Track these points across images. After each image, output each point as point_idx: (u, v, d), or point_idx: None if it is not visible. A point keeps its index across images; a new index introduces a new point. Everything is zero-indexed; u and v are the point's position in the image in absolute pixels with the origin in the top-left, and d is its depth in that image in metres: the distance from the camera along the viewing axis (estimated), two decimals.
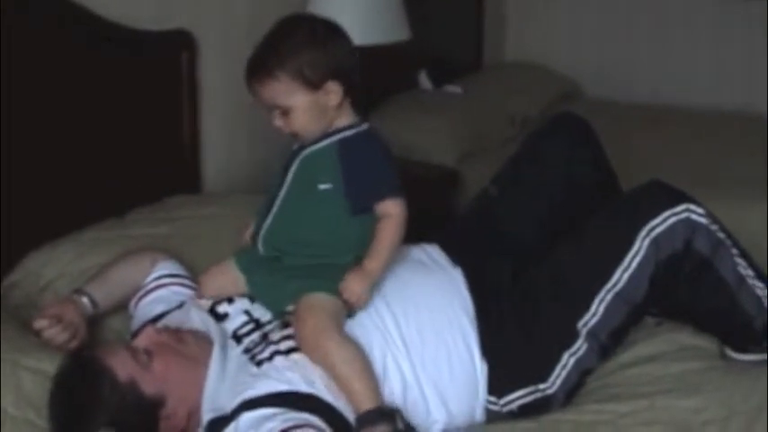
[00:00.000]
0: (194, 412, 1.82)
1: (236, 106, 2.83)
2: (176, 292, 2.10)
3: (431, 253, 2.15)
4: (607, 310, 1.98)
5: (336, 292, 1.90)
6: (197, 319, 1.98)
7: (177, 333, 1.89)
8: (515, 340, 2.00)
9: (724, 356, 2.07)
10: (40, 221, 2.28)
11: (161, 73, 2.64)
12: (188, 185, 2.73)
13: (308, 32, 1.90)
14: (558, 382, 1.99)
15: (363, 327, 1.93)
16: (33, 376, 1.84)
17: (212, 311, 2.00)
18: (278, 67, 1.86)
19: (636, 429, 1.87)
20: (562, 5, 4.50)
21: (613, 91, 4.30)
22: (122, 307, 2.12)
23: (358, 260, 1.93)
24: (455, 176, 3.36)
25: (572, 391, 2.01)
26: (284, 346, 1.88)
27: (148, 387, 1.78)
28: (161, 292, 2.10)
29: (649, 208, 1.98)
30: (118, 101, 2.50)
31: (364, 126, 1.97)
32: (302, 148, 1.97)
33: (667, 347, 2.07)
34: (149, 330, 1.87)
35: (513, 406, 1.99)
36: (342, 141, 1.93)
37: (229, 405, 1.79)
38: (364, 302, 1.93)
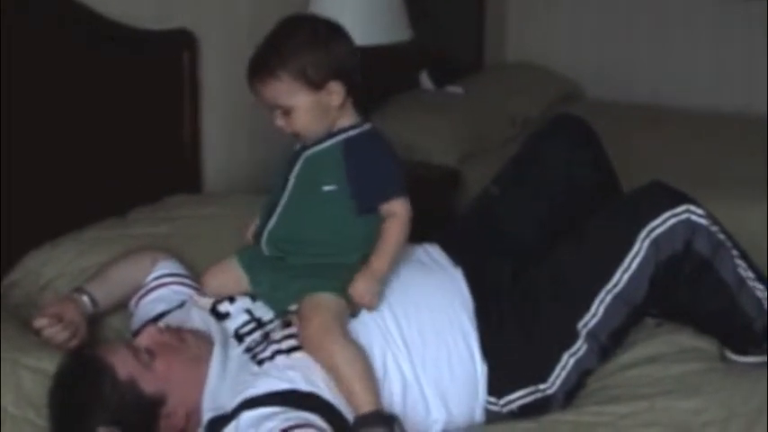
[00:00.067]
0: (194, 411, 1.82)
1: (236, 106, 2.83)
2: (177, 291, 2.10)
3: (432, 253, 2.15)
4: (607, 310, 1.98)
5: (341, 291, 1.90)
6: (198, 318, 1.98)
7: (178, 332, 1.89)
8: (515, 340, 2.01)
9: (724, 358, 2.07)
10: (40, 221, 2.28)
11: (162, 72, 2.64)
12: (188, 185, 2.72)
13: (310, 32, 1.90)
14: (558, 382, 1.99)
15: (365, 325, 1.93)
16: (33, 375, 1.84)
17: (214, 311, 2.00)
18: (280, 67, 1.86)
19: (636, 431, 1.87)
20: (563, 6, 4.50)
21: (613, 91, 4.30)
22: (122, 306, 2.12)
23: (364, 259, 1.93)
24: (456, 177, 3.36)
25: (572, 392, 2.01)
26: (286, 345, 1.88)
27: (149, 386, 1.78)
28: (162, 291, 2.10)
29: (649, 209, 1.98)
30: (118, 100, 2.50)
31: (367, 126, 1.97)
32: (305, 148, 1.97)
33: (667, 349, 2.07)
34: (151, 329, 1.87)
35: (513, 406, 1.99)
36: (346, 141, 1.94)
37: (230, 404, 1.79)
38: (374, 304, 1.93)
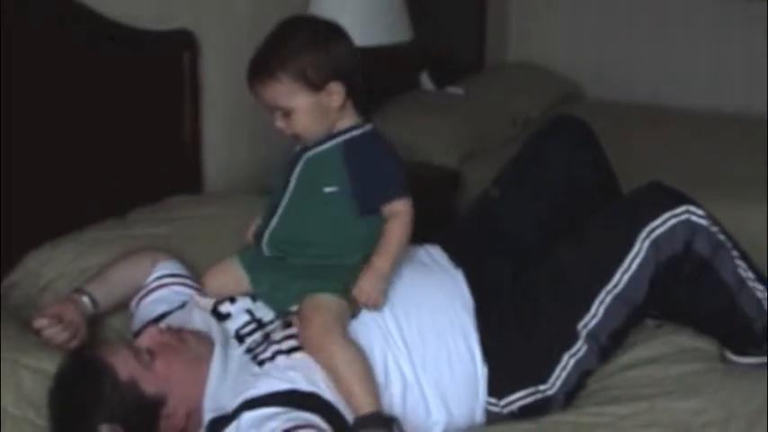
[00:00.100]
0: (195, 412, 1.83)
1: (237, 106, 2.83)
2: (178, 291, 2.10)
3: (433, 254, 2.15)
4: (607, 311, 1.98)
5: (341, 292, 1.90)
6: (198, 319, 1.98)
7: (179, 333, 1.89)
8: (515, 341, 2.01)
9: (724, 359, 2.07)
10: (40, 221, 2.28)
11: (162, 73, 2.64)
12: (189, 185, 2.72)
13: (310, 34, 1.90)
14: (558, 383, 1.99)
15: (365, 326, 1.93)
16: (33, 375, 1.84)
17: (215, 311, 2.00)
18: (280, 68, 1.86)
19: (636, 431, 1.87)
20: (563, 6, 4.50)
21: (614, 91, 4.30)
22: (123, 306, 2.12)
23: (365, 260, 1.93)
24: (456, 177, 3.36)
25: (572, 393, 2.01)
26: (286, 345, 1.88)
27: (149, 386, 1.78)
28: (163, 291, 2.10)
29: (649, 209, 1.98)
30: (119, 101, 2.50)
31: (368, 126, 1.97)
32: (305, 149, 1.97)
33: (667, 350, 2.07)
34: (152, 330, 1.87)
35: (514, 407, 1.99)
36: (347, 142, 1.94)
37: (231, 405, 1.79)
38: (380, 303, 1.93)
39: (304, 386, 1.81)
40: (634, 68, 4.37)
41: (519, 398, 1.98)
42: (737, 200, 2.97)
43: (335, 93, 1.89)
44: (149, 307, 2.08)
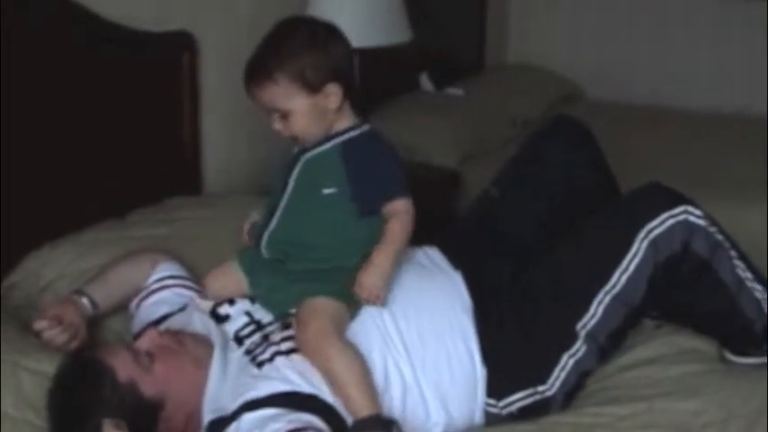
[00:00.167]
0: (194, 414, 1.83)
1: (236, 107, 2.82)
2: (179, 293, 2.10)
3: (431, 256, 2.15)
4: (606, 311, 1.98)
5: (340, 295, 1.89)
6: (198, 321, 1.98)
7: (178, 336, 1.89)
8: (515, 341, 2.00)
9: (723, 359, 2.07)
10: (40, 221, 2.28)
11: (162, 74, 2.64)
12: (188, 186, 2.73)
13: (308, 35, 1.90)
14: (557, 383, 1.99)
15: (364, 328, 1.93)
16: (33, 377, 1.84)
17: (213, 313, 2.00)
18: (277, 69, 1.86)
19: None
20: (563, 7, 4.50)
21: (613, 91, 4.30)
22: (122, 308, 2.11)
23: (364, 260, 1.92)
24: (456, 178, 3.36)
25: (571, 393, 2.01)
26: (285, 346, 1.88)
27: (148, 389, 1.78)
28: (163, 293, 2.09)
29: (648, 210, 1.97)
30: (118, 101, 2.50)
31: (366, 127, 1.97)
32: (304, 151, 1.97)
33: (666, 350, 2.07)
34: (152, 333, 1.87)
35: (513, 408, 1.99)
36: (345, 143, 1.93)
37: (230, 406, 1.79)
38: (381, 299, 1.91)
39: (304, 388, 1.81)
40: (634, 68, 4.37)
41: (518, 399, 1.98)
42: (737, 200, 2.97)
43: (333, 94, 1.89)
44: (150, 309, 2.07)
